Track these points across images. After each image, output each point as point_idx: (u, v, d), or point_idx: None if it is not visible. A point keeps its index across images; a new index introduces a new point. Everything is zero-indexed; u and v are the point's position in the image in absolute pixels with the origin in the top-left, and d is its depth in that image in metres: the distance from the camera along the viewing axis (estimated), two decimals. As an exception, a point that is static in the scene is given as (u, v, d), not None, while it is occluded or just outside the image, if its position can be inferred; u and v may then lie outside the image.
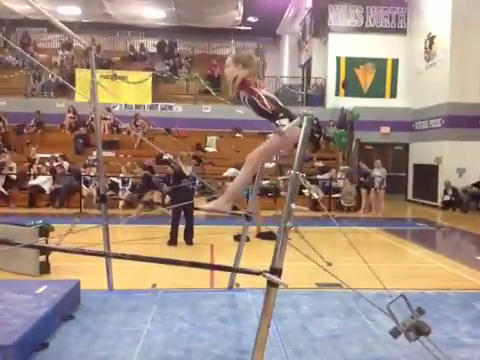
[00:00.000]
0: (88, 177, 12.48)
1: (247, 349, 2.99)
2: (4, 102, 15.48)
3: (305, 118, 2.50)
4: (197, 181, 12.08)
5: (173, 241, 7.70)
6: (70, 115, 15.36)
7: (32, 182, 12.58)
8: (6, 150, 13.50)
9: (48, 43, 20.34)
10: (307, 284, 5.15)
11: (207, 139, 15.83)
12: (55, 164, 12.90)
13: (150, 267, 4.57)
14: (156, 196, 11.44)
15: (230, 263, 4.47)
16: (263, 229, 8.32)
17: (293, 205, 2.36)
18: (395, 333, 2.54)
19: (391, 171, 14.47)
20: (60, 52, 18.14)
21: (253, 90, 3.01)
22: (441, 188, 14.12)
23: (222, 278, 5.04)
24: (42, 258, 5.66)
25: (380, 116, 15.69)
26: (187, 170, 7.60)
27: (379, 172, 12.44)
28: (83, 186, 12.18)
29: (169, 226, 7.79)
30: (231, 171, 13.59)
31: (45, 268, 5.66)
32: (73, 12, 17.87)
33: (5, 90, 16.04)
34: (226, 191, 3.15)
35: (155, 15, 18.78)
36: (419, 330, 2.48)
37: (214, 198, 3.25)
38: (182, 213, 7.74)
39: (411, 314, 2.51)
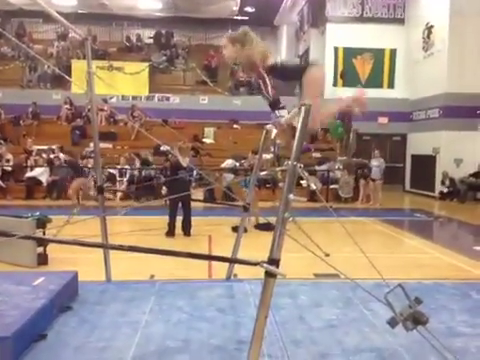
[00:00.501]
0: (86, 168, 12.44)
1: (245, 339, 3.00)
2: (0, 93, 15.37)
3: (302, 108, 2.48)
4: (195, 172, 12.10)
5: (171, 232, 7.71)
6: (67, 106, 15.28)
7: (29, 174, 12.54)
8: (2, 142, 13.43)
9: (44, 34, 20.15)
10: (305, 274, 5.16)
11: (205, 130, 15.78)
12: (52, 156, 12.85)
13: (148, 258, 4.56)
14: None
15: (228, 254, 4.48)
16: (261, 220, 8.33)
17: (291, 196, 2.34)
18: (393, 323, 2.55)
19: (389, 162, 14.47)
20: (56, 43, 17.98)
21: (261, 73, 2.95)
22: (439, 178, 14.14)
23: (220, 269, 5.06)
24: (40, 249, 5.66)
25: (378, 106, 15.62)
26: (184, 161, 7.58)
27: (377, 162, 12.44)
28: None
29: (167, 217, 7.78)
30: (229, 162, 13.57)
31: (43, 259, 5.66)
32: (69, 2, 17.70)
33: (1, 81, 15.93)
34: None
35: (151, 5, 18.63)
36: (416, 320, 2.48)
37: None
38: (180, 205, 7.73)
39: (408, 304, 2.51)
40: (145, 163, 12.64)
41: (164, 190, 8.28)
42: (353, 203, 12.59)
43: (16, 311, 3.12)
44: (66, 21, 3.85)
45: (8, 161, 12.68)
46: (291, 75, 3.04)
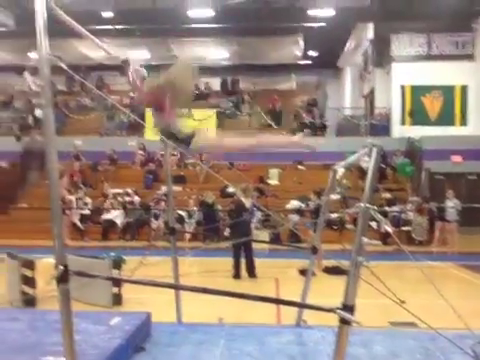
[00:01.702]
0: (157, 211, 12.96)
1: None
2: (81, 141, 16.63)
3: (374, 149, 2.46)
4: (259, 214, 12.13)
5: (237, 274, 7.71)
6: (140, 152, 16.17)
7: (105, 216, 13.27)
8: (82, 186, 14.39)
9: (120, 86, 21.75)
10: (379, 322, 4.92)
11: (269, 172, 15.92)
12: (127, 199, 13.54)
13: (216, 300, 4.59)
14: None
15: (295, 298, 4.39)
16: (325, 263, 8.13)
17: (364, 239, 2.30)
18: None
19: (465, 202, 13.64)
20: (131, 94, 19.32)
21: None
22: (523, 220, 13.05)
23: (288, 313, 4.96)
24: (115, 290, 5.89)
25: (450, 145, 14.99)
26: (247, 202, 7.65)
27: (452, 203, 11.80)
28: (152, 220, 12.65)
29: (231, 259, 7.82)
30: (294, 203, 13.50)
31: (117, 299, 5.87)
32: (143, 56, 19.12)
33: (82, 130, 17.30)
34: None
35: (219, 55, 19.59)
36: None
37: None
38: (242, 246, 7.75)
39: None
40: (205, 205, 12.91)
41: (227, 232, 8.38)
42: (427, 246, 11.92)
43: (95, 351, 3.23)
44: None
45: (86, 204, 13.53)
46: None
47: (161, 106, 3.00)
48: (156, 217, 12.90)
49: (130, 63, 3.22)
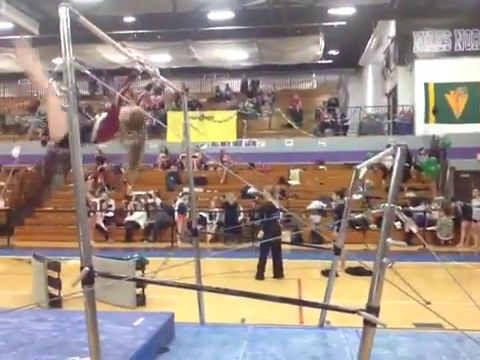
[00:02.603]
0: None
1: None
2: (104, 145, 16.88)
3: (398, 149, 2.43)
4: (281, 214, 12.09)
5: (261, 275, 7.70)
6: (162, 154, 16.35)
7: (128, 218, 13.46)
8: (106, 189, 14.63)
9: (142, 89, 22.01)
10: (404, 323, 4.84)
11: (290, 172, 15.87)
12: (149, 201, 13.70)
13: (239, 301, 4.61)
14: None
15: (318, 299, 4.37)
16: (347, 263, 8.04)
17: (389, 240, 2.27)
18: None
19: (492, 201, 13.29)
20: (152, 97, 19.54)
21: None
22: None
23: (311, 314, 4.93)
24: (138, 290, 5.96)
25: (476, 142, 14.64)
26: (276, 203, 7.64)
27: (478, 202, 11.52)
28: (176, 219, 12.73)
29: (253, 260, 7.80)
30: (315, 203, 13.42)
31: (141, 300, 5.94)
32: (164, 59, 19.31)
33: (105, 134, 17.56)
34: None
35: (239, 57, 19.62)
36: None
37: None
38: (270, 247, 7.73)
39: None
40: (226, 206, 12.93)
41: (261, 234, 8.31)
42: (453, 246, 11.67)
43: (119, 351, 3.26)
44: (163, 77, 4.20)
45: (110, 206, 13.74)
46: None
47: (113, 125, 3.23)
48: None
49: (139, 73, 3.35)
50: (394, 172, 2.41)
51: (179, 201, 12.90)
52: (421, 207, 12.79)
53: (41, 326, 3.90)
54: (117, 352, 3.24)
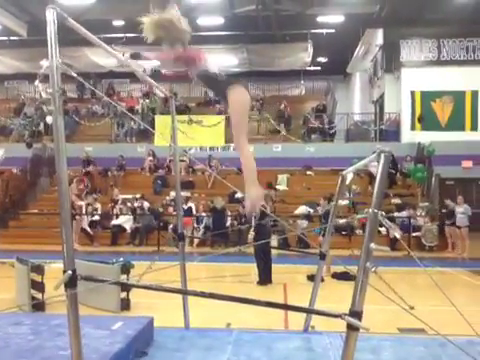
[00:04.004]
0: (166, 216, 13.00)
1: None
2: (91, 148, 16.78)
3: (382, 155, 2.46)
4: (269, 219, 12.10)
5: (268, 279, 7.62)
6: (150, 158, 16.28)
7: (115, 222, 13.34)
8: (92, 192, 14.50)
9: (130, 93, 21.97)
10: (388, 328, 4.88)
11: (278, 177, 15.92)
12: (136, 204, 13.62)
13: (224, 305, 4.60)
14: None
15: (304, 303, 4.38)
16: (333, 269, 8.08)
17: (373, 245, 2.29)
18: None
19: (476, 207, 13.50)
20: (141, 101, 19.49)
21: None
22: None
23: (296, 319, 4.94)
24: (123, 295, 5.91)
25: (461, 150, 14.88)
26: (268, 208, 7.63)
27: (462, 209, 11.68)
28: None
29: (242, 264, 7.79)
30: (302, 208, 13.47)
31: (126, 305, 5.90)
32: (152, 64, 19.26)
33: (92, 137, 17.47)
34: (249, 179, 2.82)
35: (228, 62, 19.67)
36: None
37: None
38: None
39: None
40: (214, 211, 12.92)
41: (251, 235, 8.29)
42: (438, 252, 11.81)
43: (95, 355, 3.23)
44: (152, 81, 4.20)
45: (96, 210, 13.62)
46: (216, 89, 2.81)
47: (188, 57, 2.92)
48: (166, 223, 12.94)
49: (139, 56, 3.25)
50: (378, 177, 2.44)
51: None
52: (406, 213, 12.92)
53: (18, 330, 3.85)
54: (93, 356, 3.20)
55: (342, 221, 11.53)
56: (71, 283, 2.35)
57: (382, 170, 2.48)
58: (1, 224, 13.82)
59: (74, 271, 2.36)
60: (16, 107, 19.45)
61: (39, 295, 5.86)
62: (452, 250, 11.76)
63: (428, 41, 16.51)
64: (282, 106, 18.37)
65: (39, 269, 5.91)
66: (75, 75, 2.70)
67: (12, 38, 17.58)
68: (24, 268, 6.01)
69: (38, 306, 5.70)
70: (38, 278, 5.88)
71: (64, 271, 2.36)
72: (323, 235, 6.69)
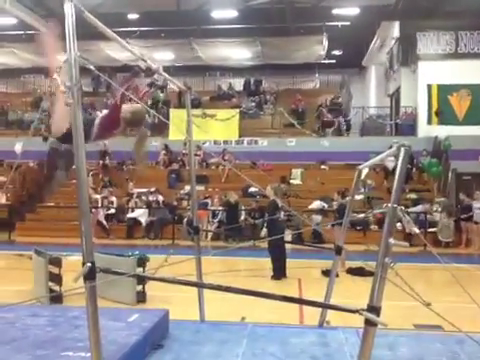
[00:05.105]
0: (181, 210, 13.08)
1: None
2: (107, 141, 16.88)
3: (402, 149, 2.42)
4: (282, 213, 12.09)
5: (283, 274, 7.62)
6: (164, 152, 16.35)
7: (130, 215, 13.47)
8: (108, 185, 14.64)
9: (145, 87, 22.04)
10: (404, 324, 4.84)
11: (292, 172, 15.86)
12: (151, 198, 13.71)
13: (239, 299, 4.61)
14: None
15: (318, 298, 4.36)
16: (348, 264, 8.03)
17: (391, 240, 2.27)
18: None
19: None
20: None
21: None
22: None
23: (311, 314, 4.93)
24: (139, 287, 5.96)
25: (478, 144, 14.62)
26: (279, 201, 7.62)
27: (479, 204, 11.52)
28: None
29: (256, 258, 7.80)
30: (317, 203, 13.41)
31: (142, 297, 5.95)
32: (167, 57, 19.32)
33: (107, 131, 17.57)
34: None
35: (242, 55, 19.62)
36: None
37: None
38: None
39: None
40: (227, 205, 12.94)
41: (264, 231, 8.28)
42: (454, 248, 11.67)
43: (113, 346, 3.26)
44: (167, 75, 4.20)
45: (112, 203, 13.75)
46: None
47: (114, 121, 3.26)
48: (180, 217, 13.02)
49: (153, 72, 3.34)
50: (397, 172, 2.41)
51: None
52: (421, 207, 12.78)
53: (36, 321, 3.91)
54: (111, 347, 3.22)
55: (359, 216, 11.44)
56: (90, 275, 2.37)
57: (402, 165, 2.44)
58: (18, 217, 14.04)
59: (93, 263, 2.38)
60: (32, 101, 19.66)
61: (57, 287, 5.95)
62: (466, 246, 11.61)
63: (445, 34, 16.20)
64: (294, 104, 18.27)
65: (57, 261, 5.99)
66: (93, 68, 2.71)
67: (28, 32, 17.74)
68: (42, 260, 6.09)
69: (56, 298, 5.78)
70: (56, 270, 5.96)
71: (83, 263, 2.38)
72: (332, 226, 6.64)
